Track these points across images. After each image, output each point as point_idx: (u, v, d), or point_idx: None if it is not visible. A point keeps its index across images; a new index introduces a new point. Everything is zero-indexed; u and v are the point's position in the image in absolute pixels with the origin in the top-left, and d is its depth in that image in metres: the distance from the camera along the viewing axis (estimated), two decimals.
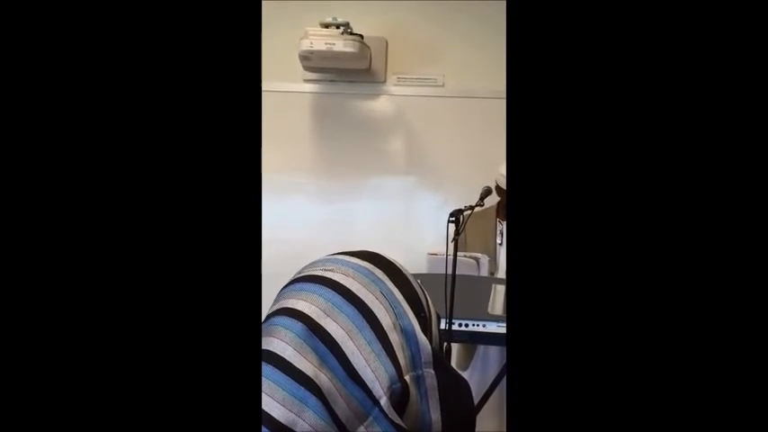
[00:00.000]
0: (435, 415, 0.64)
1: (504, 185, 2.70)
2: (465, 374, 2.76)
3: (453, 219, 2.30)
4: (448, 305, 2.21)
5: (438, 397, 0.64)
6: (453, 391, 0.66)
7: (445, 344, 2.24)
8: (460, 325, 2.37)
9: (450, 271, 2.23)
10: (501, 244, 2.76)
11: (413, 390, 0.62)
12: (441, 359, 0.66)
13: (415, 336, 0.64)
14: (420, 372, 0.63)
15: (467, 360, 2.76)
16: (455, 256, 2.25)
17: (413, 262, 2.61)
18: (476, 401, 2.55)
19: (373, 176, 3.40)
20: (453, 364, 2.63)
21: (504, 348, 2.61)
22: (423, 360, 0.63)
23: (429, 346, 0.64)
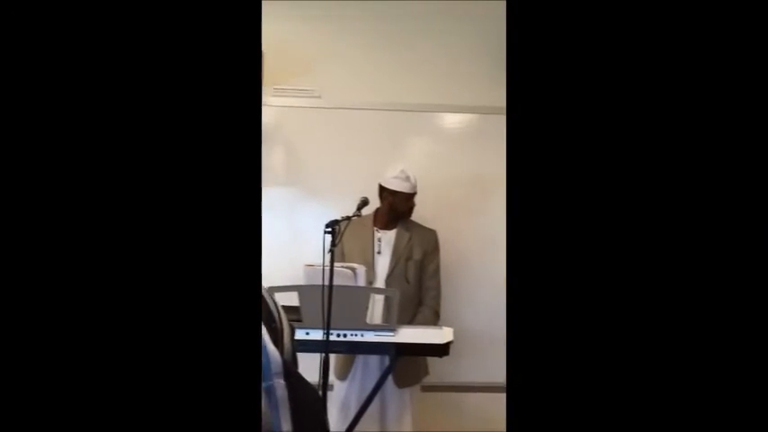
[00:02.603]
0: (286, 426, 0.64)
1: (389, 185, 2.73)
2: (344, 384, 2.76)
3: (330, 229, 2.31)
4: (325, 316, 2.21)
5: (289, 407, 0.64)
6: (305, 402, 0.66)
7: (323, 354, 2.24)
8: (339, 335, 2.38)
9: (327, 282, 2.24)
10: (379, 252, 2.80)
11: (263, 401, 0.62)
12: (292, 370, 0.66)
13: (265, 347, 0.64)
14: (270, 383, 0.63)
15: (346, 370, 2.77)
16: (332, 266, 2.26)
17: (294, 273, 2.60)
18: (356, 410, 2.56)
19: None
20: (332, 374, 2.63)
21: (384, 357, 2.64)
22: (273, 371, 0.64)
23: (279, 358, 0.64)
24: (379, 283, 2.75)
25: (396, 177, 2.75)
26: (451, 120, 3.36)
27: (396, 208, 2.79)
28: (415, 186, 2.79)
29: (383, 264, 2.78)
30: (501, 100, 3.01)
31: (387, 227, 2.83)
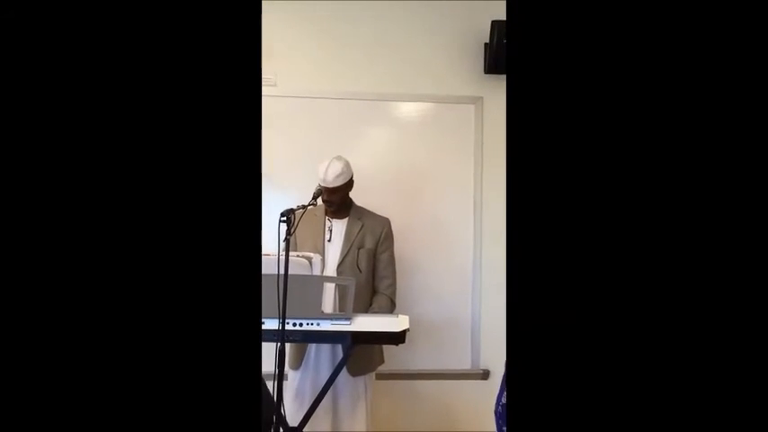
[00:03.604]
0: None
1: (324, 183, 2.68)
2: (297, 373, 2.76)
3: (285, 218, 2.30)
4: (281, 305, 2.20)
5: None
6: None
7: (278, 344, 2.23)
8: (294, 324, 2.37)
9: (282, 271, 2.23)
10: (329, 241, 2.78)
11: None
12: None
13: None
14: None
15: (298, 359, 2.76)
16: (287, 255, 2.25)
17: None
18: (309, 400, 2.56)
19: None
20: (286, 363, 2.62)
21: (336, 345, 2.64)
22: None
23: None
24: (330, 271, 2.74)
25: (322, 171, 2.70)
26: (407, 109, 3.37)
27: (329, 200, 2.73)
28: (338, 178, 2.69)
29: (334, 252, 2.77)
30: (456, 89, 3.03)
31: (336, 215, 2.81)
